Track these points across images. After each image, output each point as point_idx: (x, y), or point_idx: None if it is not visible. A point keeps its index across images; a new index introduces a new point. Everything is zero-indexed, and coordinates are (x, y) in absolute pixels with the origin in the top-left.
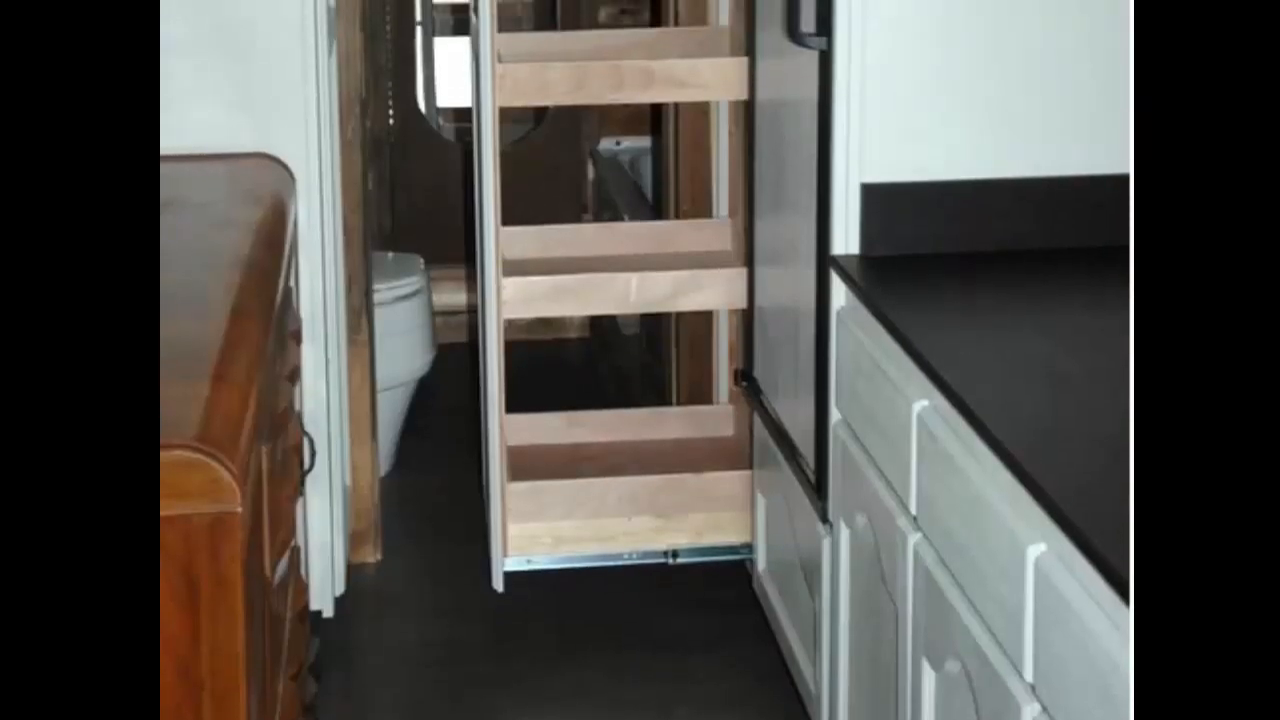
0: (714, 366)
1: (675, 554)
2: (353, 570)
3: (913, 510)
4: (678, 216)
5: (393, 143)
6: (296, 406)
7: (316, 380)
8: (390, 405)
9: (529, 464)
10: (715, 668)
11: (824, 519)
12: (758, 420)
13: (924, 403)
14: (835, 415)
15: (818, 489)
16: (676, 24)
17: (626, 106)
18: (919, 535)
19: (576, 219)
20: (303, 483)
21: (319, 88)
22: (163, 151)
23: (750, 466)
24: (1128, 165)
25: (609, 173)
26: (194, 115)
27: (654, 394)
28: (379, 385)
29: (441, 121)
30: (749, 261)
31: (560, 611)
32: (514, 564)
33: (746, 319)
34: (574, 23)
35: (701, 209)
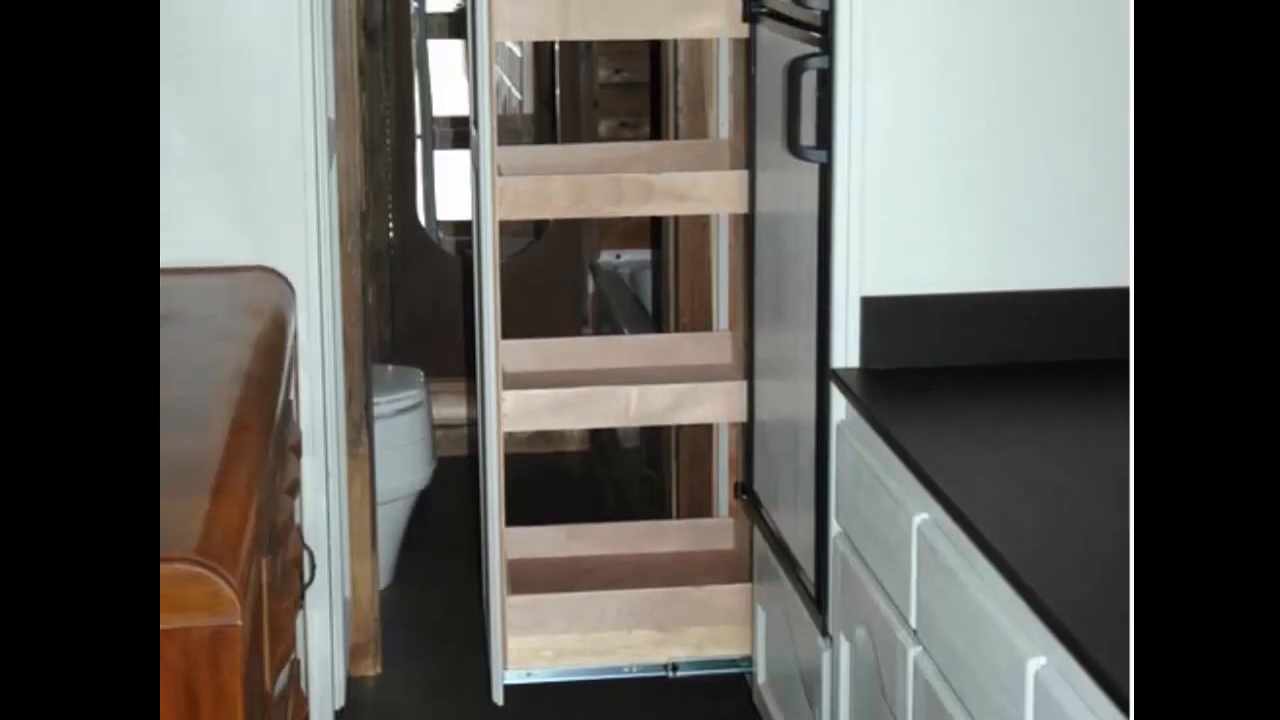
0: (714, 479)
1: (675, 667)
2: (353, 683)
3: (913, 623)
4: (678, 329)
5: (393, 255)
6: (297, 519)
7: (316, 493)
8: (390, 518)
9: (529, 577)
10: None
11: (824, 632)
12: (758, 533)
13: (924, 516)
14: (835, 528)
15: (818, 602)
16: (676, 137)
17: (626, 219)
18: (919, 648)
19: (576, 332)
20: (303, 596)
21: (319, 201)
22: (163, 265)
23: (750, 579)
24: (1128, 279)
25: (609, 286)
26: (194, 228)
27: (654, 507)
28: (379, 498)
29: (441, 234)
30: (749, 374)
31: None
32: (514, 677)
33: (746, 432)
34: (574, 136)
35: (701, 322)
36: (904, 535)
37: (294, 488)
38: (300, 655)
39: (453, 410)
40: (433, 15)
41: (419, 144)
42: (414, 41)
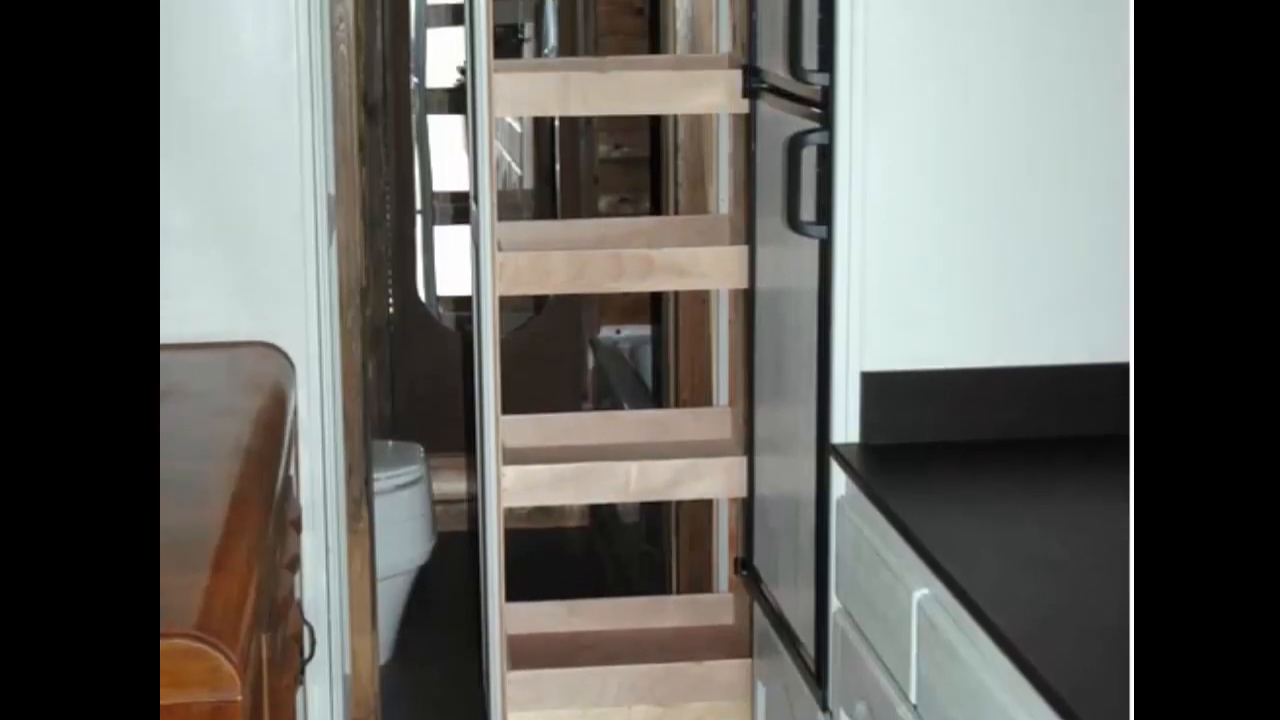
0: (714, 555)
1: None
2: None
3: (913, 699)
4: (677, 405)
5: (393, 331)
6: (296, 595)
7: (316, 569)
8: (390, 593)
9: (529, 652)
10: None
11: (824, 707)
12: (758, 609)
13: (924, 591)
14: (835, 603)
15: (818, 677)
16: (676, 212)
17: (626, 295)
18: None
19: (576, 407)
20: (303, 671)
21: (319, 276)
22: (163, 340)
23: (750, 655)
24: (1128, 354)
25: (609, 361)
26: (194, 304)
27: (654, 582)
28: (379, 573)
29: (441, 310)
30: (749, 450)
31: None
32: None
33: (746, 507)
34: (574, 211)
35: (701, 397)
36: (904, 610)
37: (294, 563)
38: None
39: (453, 485)
40: (432, 91)
41: (419, 219)
42: (414, 117)
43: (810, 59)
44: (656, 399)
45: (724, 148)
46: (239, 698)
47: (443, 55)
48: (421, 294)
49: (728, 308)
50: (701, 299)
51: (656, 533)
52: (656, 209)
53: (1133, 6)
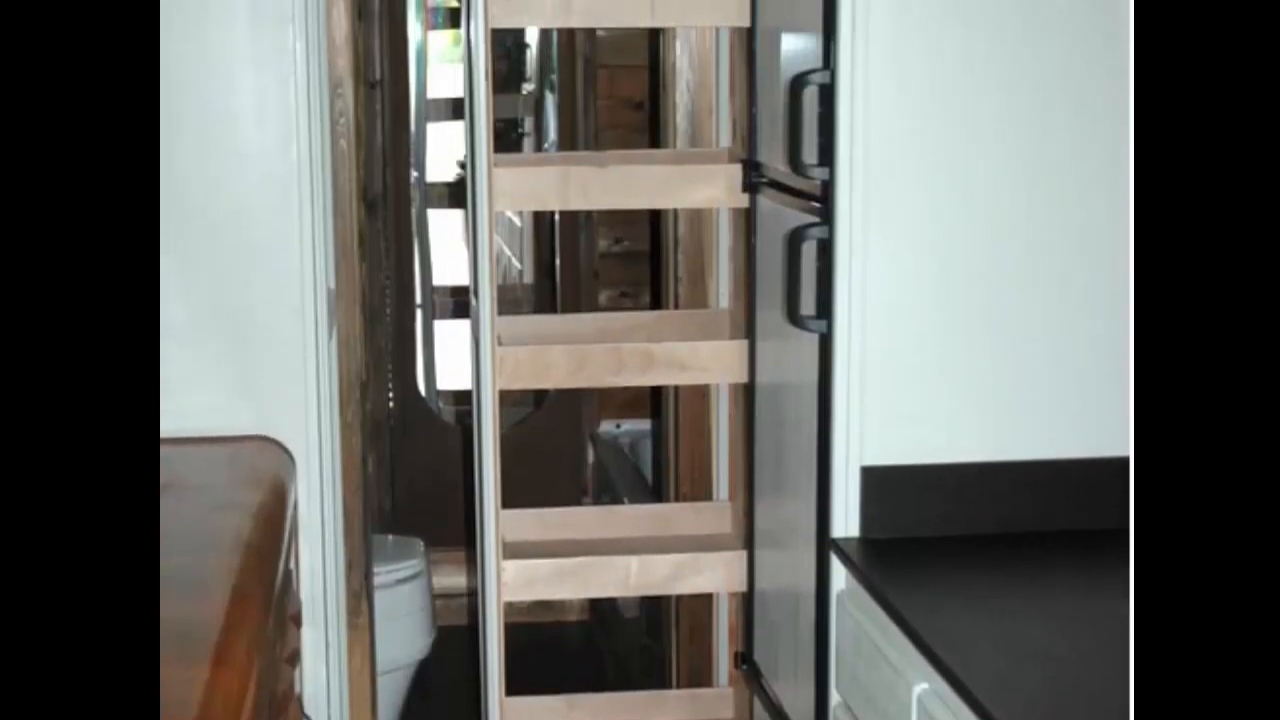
0: (714, 649)
1: None
2: None
3: None
4: (677, 499)
5: (393, 425)
6: (297, 689)
7: (316, 663)
8: (390, 688)
9: None
10: None
11: None
12: (758, 703)
13: (924, 685)
14: (835, 697)
15: None
16: (676, 306)
17: (626, 389)
18: None
19: (576, 502)
20: None
21: (319, 371)
22: (163, 434)
23: None
24: (1128, 448)
25: (609, 456)
26: (194, 398)
27: (654, 676)
28: (379, 668)
29: (441, 404)
30: (749, 544)
31: None
32: None
33: (747, 601)
34: (574, 305)
35: (701, 491)
36: (904, 705)
37: (294, 657)
38: None
39: (453, 579)
40: (433, 185)
41: (419, 313)
42: (414, 211)
43: (810, 153)
44: (657, 493)
45: (724, 242)
46: None
47: (443, 149)
48: (422, 388)
49: (728, 402)
50: (702, 393)
51: (657, 627)
52: (657, 303)
53: (1133, 108)
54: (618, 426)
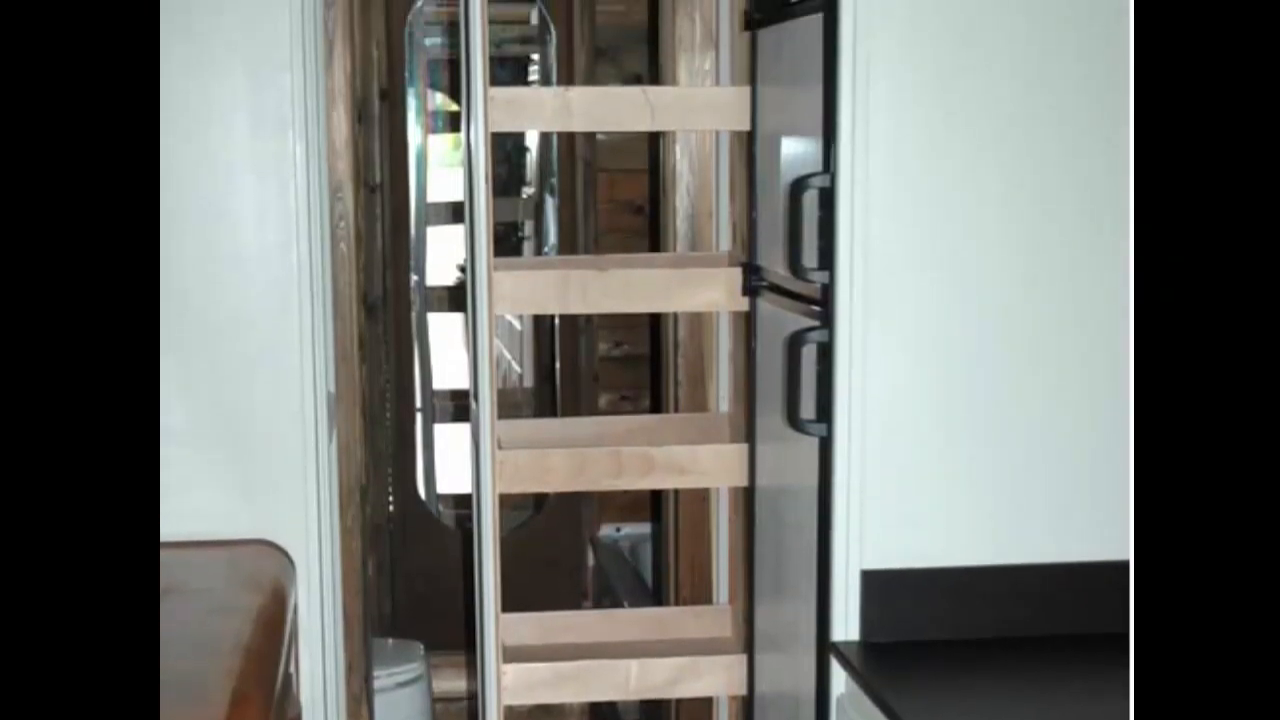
0: None
1: None
2: None
3: None
4: (678, 603)
5: (393, 529)
6: None
7: None
8: None
9: None
10: None
11: None
12: None
13: None
14: None
15: None
16: (676, 410)
17: (626, 492)
18: None
19: (576, 605)
20: None
21: (319, 475)
22: (163, 538)
23: None
24: (1128, 552)
25: (609, 560)
26: (194, 502)
27: None
28: None
29: (441, 508)
30: (749, 648)
31: None
32: None
33: (747, 705)
34: (574, 409)
35: (701, 595)
36: None
37: None
38: None
39: (453, 683)
40: (432, 289)
41: (419, 417)
42: (414, 314)
43: (810, 257)
44: (657, 597)
45: (724, 345)
46: None
47: (443, 253)
48: (421, 492)
49: (728, 505)
50: (702, 497)
51: None
52: (657, 407)
53: (1133, 211)
54: (618, 530)
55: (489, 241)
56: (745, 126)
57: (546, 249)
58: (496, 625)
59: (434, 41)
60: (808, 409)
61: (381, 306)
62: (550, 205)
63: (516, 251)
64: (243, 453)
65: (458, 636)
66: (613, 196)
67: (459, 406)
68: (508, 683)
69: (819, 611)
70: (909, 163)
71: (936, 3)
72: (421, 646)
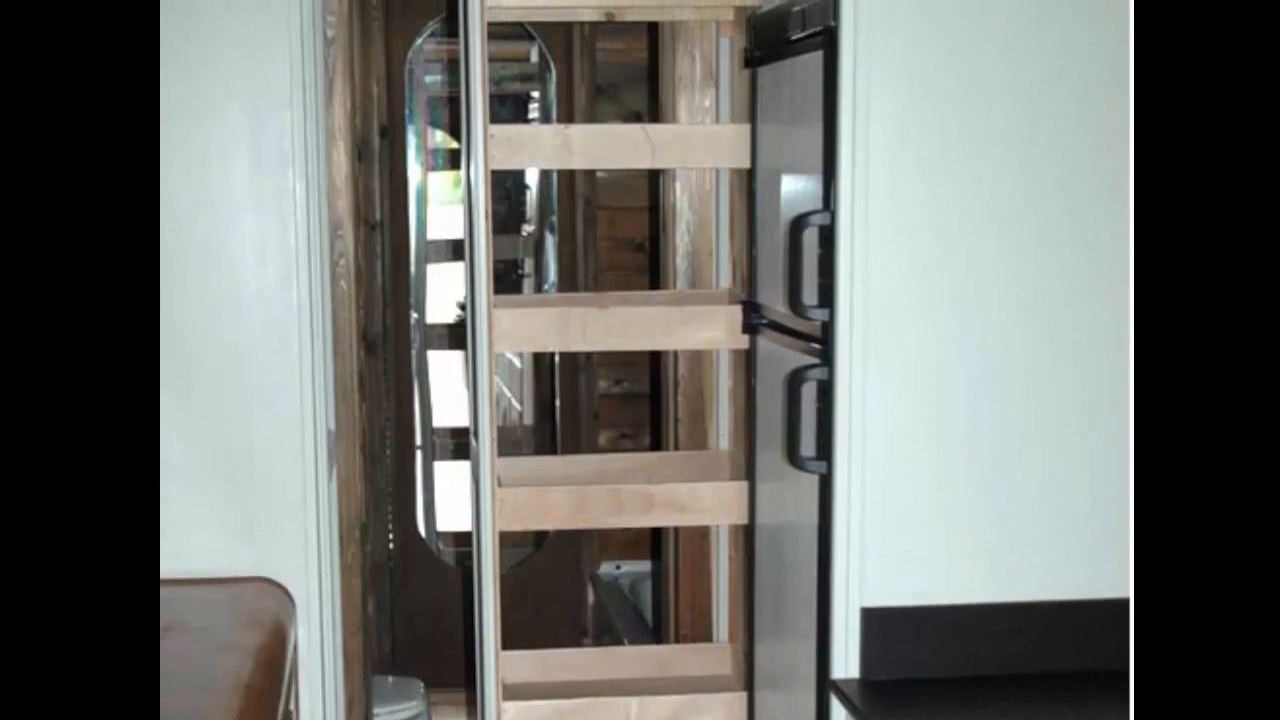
0: None
1: None
2: None
3: None
4: (678, 641)
5: (393, 566)
6: None
7: None
8: None
9: None
10: None
11: None
12: None
13: None
14: None
15: None
16: (677, 448)
17: (627, 530)
18: None
19: (576, 643)
20: None
21: (319, 513)
22: (163, 576)
23: None
24: (1128, 590)
25: (609, 597)
26: (194, 540)
27: None
28: None
29: (441, 545)
30: (749, 686)
31: None
32: None
33: None
34: (574, 446)
35: (701, 633)
36: None
37: None
38: None
39: None
40: (432, 326)
41: (419, 454)
42: (414, 352)
43: (810, 295)
44: (657, 634)
45: (724, 383)
46: None
47: (443, 290)
48: (422, 529)
49: (728, 543)
50: (702, 534)
51: None
52: (657, 444)
53: (1133, 251)
54: (618, 567)
55: (489, 279)
56: (745, 164)
57: (546, 286)
58: (497, 663)
59: (434, 79)
60: (808, 446)
61: (381, 344)
62: (550, 242)
63: (516, 289)
64: (243, 490)
65: (458, 674)
66: (613, 234)
67: (459, 444)
68: None
69: (819, 649)
70: (909, 200)
71: (936, 41)
72: (421, 684)
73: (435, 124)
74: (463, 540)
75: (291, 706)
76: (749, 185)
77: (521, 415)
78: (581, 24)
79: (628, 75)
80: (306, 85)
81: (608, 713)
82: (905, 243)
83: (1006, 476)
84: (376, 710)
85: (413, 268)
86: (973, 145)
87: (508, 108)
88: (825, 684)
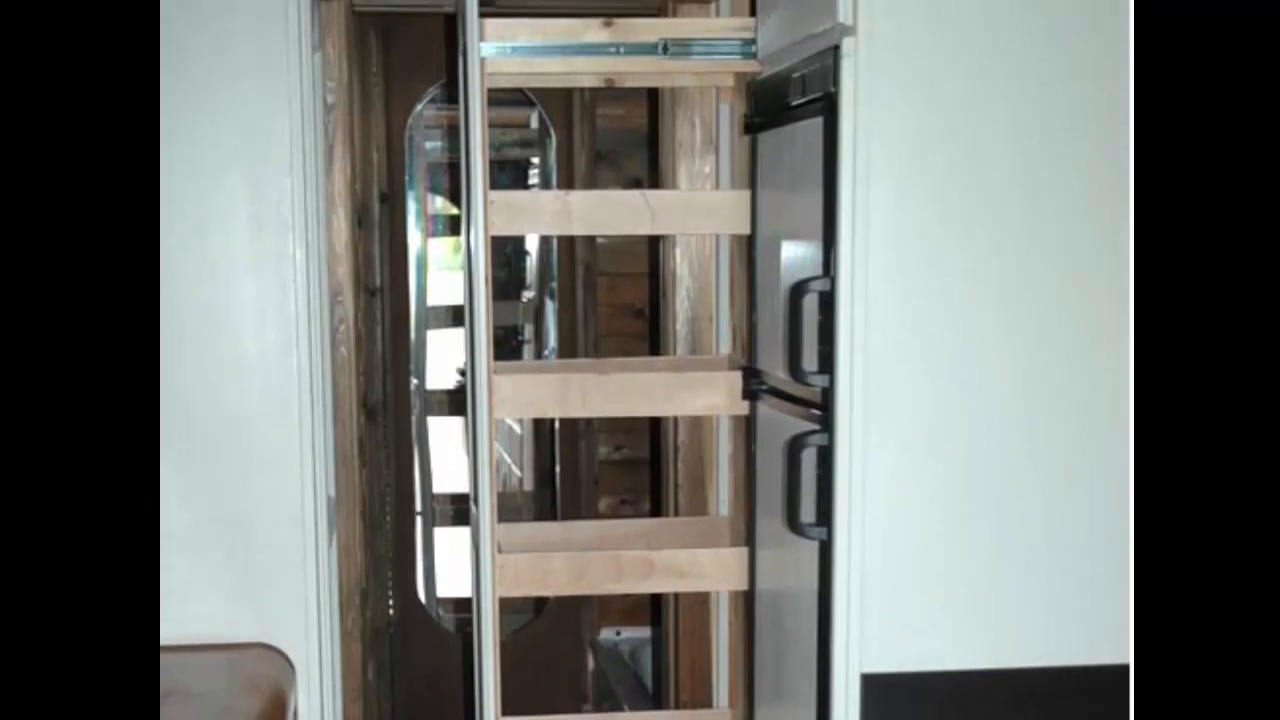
0: None
1: None
2: None
3: None
4: (678, 706)
5: (393, 632)
6: None
7: None
8: None
9: None
10: None
11: None
12: None
13: None
14: None
15: None
16: (677, 513)
17: (627, 596)
18: None
19: (577, 709)
20: None
21: (319, 579)
22: (163, 642)
23: None
24: (1127, 657)
25: (609, 663)
26: (194, 605)
27: None
28: None
29: (441, 611)
30: None
31: None
32: None
33: None
34: (574, 512)
35: (702, 699)
36: None
37: None
38: None
39: None
40: (433, 392)
41: (419, 521)
42: (414, 418)
43: (810, 360)
44: (657, 701)
45: (724, 449)
46: None
47: (443, 356)
48: (422, 595)
49: (728, 609)
50: (702, 600)
51: None
52: (657, 510)
53: (1133, 319)
54: (618, 634)
55: (489, 345)
56: (745, 230)
57: (546, 352)
58: None
59: (434, 145)
60: (808, 512)
61: (381, 410)
62: (550, 308)
63: (516, 355)
64: (243, 556)
65: None
66: (613, 299)
67: (459, 510)
68: None
69: (819, 715)
70: (909, 266)
71: (936, 107)
72: None
73: (435, 190)
74: (463, 606)
75: None
76: (749, 251)
77: (522, 481)
78: (582, 90)
79: (628, 141)
80: (306, 151)
81: None
82: (905, 309)
83: (1007, 542)
84: None
85: (413, 334)
86: (972, 211)
87: (508, 173)
88: None
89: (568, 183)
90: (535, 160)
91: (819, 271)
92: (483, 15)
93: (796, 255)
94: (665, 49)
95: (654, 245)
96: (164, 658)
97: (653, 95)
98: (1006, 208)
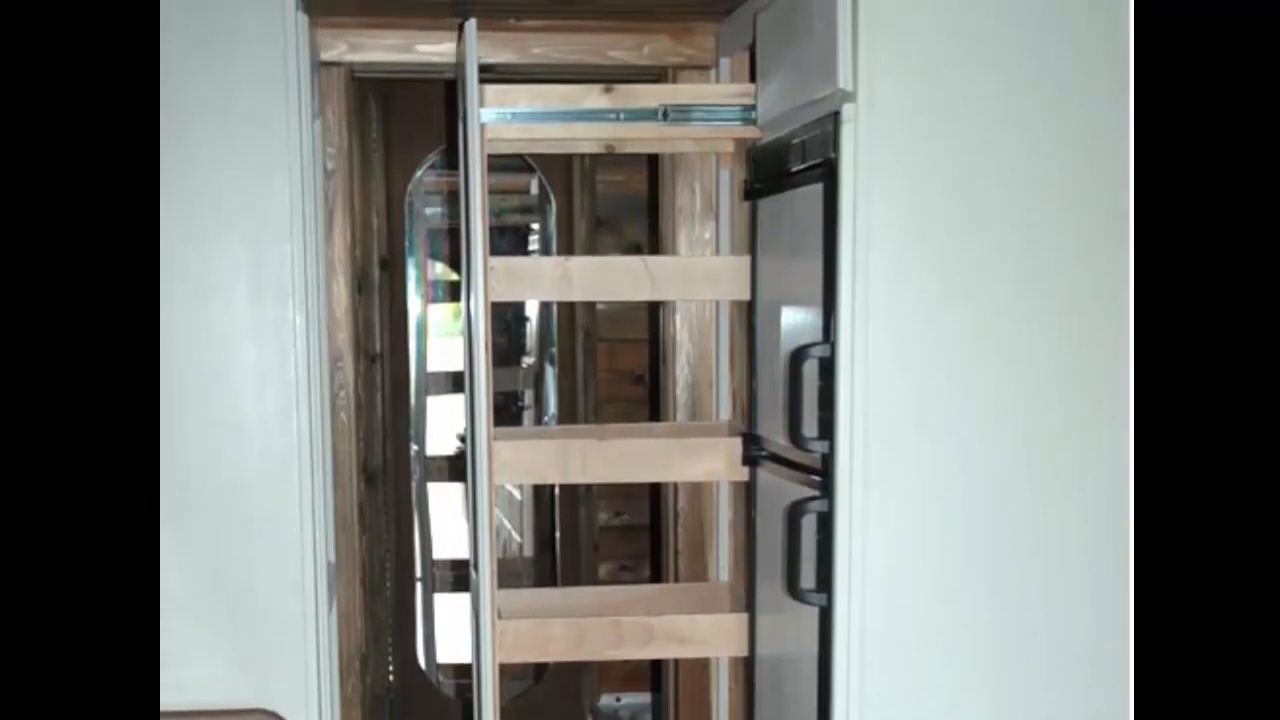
0: None
1: None
2: None
3: None
4: None
5: (393, 698)
6: None
7: None
8: None
9: None
10: None
11: None
12: None
13: None
14: None
15: None
16: (677, 579)
17: (627, 662)
18: None
19: None
20: None
21: (319, 644)
22: (163, 708)
23: None
24: (1128, 718)
25: None
26: (194, 671)
27: None
28: None
29: (441, 677)
30: None
31: None
32: None
33: None
34: (574, 578)
35: None
36: None
37: None
38: None
39: None
40: (433, 458)
41: (419, 586)
42: (414, 484)
43: (810, 427)
44: None
45: (724, 515)
46: None
47: (443, 422)
48: (422, 661)
49: (728, 675)
50: (702, 666)
51: None
52: (657, 576)
53: (1132, 383)
54: (618, 700)
55: (489, 411)
56: (745, 296)
57: (547, 418)
58: None
59: (434, 211)
60: (808, 578)
61: (381, 475)
62: (550, 374)
63: (516, 421)
64: (242, 622)
65: None
66: (613, 366)
67: (459, 576)
68: None
69: None
70: (909, 332)
71: (936, 172)
72: None
73: (435, 256)
74: (463, 672)
75: None
76: (749, 317)
77: (521, 547)
78: (581, 156)
79: (628, 207)
80: (306, 217)
81: None
82: (905, 375)
83: (1007, 610)
84: None
85: (413, 400)
86: (972, 276)
87: (508, 239)
88: None
89: (568, 248)
90: (535, 226)
91: (819, 337)
92: (483, 81)
93: (796, 321)
94: (665, 115)
95: (654, 311)
96: None
97: (653, 161)
98: (1006, 272)
